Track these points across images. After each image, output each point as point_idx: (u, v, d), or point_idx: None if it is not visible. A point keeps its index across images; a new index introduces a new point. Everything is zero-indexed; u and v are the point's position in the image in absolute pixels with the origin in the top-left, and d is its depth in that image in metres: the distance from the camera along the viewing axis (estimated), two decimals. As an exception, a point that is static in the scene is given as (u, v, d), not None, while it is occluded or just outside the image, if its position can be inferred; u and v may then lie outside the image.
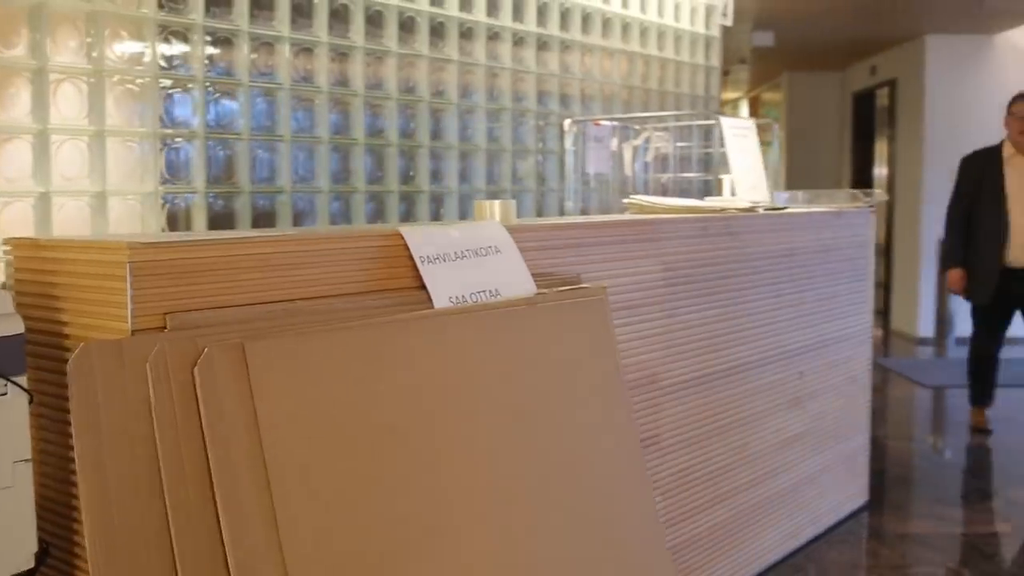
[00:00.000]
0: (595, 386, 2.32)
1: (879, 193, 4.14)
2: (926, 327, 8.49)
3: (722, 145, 5.64)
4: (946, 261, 5.61)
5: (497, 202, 2.47)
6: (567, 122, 5.21)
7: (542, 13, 5.21)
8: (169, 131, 3.52)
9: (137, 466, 1.57)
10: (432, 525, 1.85)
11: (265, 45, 3.97)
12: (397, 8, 4.41)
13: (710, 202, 3.59)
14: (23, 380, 1.62)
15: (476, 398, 2.01)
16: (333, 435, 1.75)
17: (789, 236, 3.47)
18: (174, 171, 3.58)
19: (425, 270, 2.08)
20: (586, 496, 2.20)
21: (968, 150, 8.66)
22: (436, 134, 4.69)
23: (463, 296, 2.12)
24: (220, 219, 3.85)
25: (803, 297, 3.56)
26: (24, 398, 1.62)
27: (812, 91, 10.91)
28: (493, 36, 4.93)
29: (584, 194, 5.40)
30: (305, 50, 4.10)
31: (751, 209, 3.36)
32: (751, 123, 3.99)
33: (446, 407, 1.95)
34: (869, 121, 10.25)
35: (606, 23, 5.69)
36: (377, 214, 4.47)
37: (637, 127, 5.55)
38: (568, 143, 5.24)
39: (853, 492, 3.99)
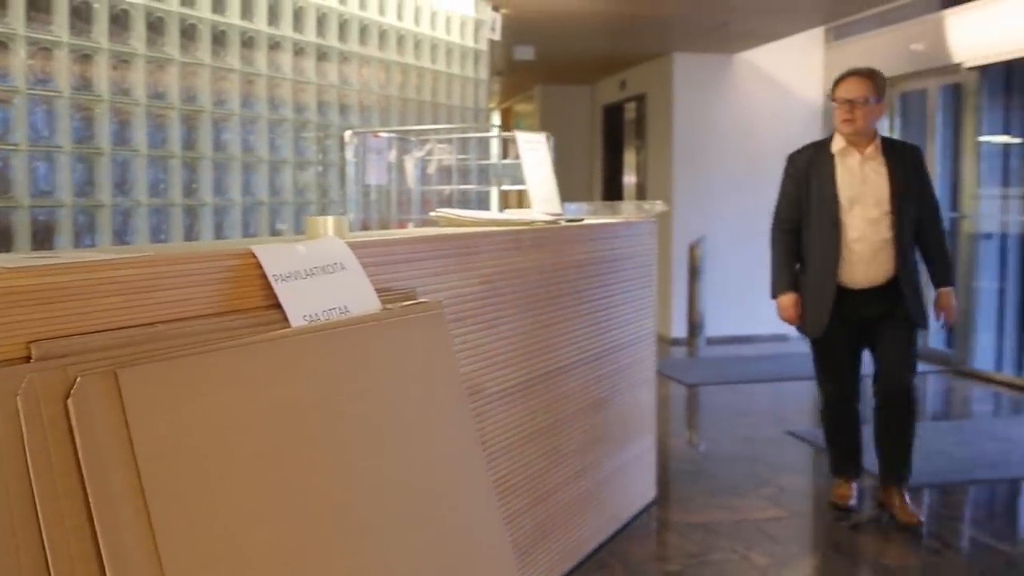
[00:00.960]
0: (440, 397, 2.36)
1: (660, 204, 4.38)
2: (679, 329, 9.00)
3: (502, 157, 5.80)
4: (773, 286, 4.27)
5: (331, 218, 2.46)
6: (347, 133, 5.20)
7: (321, 24, 5.18)
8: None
9: (12, 504, 1.47)
10: (302, 543, 1.83)
11: (43, 51, 3.75)
12: (178, 15, 4.27)
13: (510, 215, 3.69)
14: None
15: (335, 415, 2.00)
16: (206, 460, 1.70)
17: (587, 247, 3.62)
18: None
19: (279, 288, 2.04)
20: (435, 502, 2.23)
21: (713, 160, 9.35)
22: (218, 145, 4.57)
23: (316, 314, 2.10)
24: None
25: (600, 304, 3.73)
26: None
27: (563, 103, 11.34)
28: (274, 46, 4.85)
29: (365, 206, 5.40)
30: (84, 56, 3.90)
31: (554, 222, 3.49)
32: (543, 137, 4.13)
33: (309, 425, 1.93)
34: (618, 132, 10.77)
35: (382, 35, 5.71)
36: (160, 229, 4.31)
37: (418, 139, 5.60)
38: (349, 155, 5.23)
39: (644, 488, 4.21)
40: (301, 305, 2.07)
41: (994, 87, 7.30)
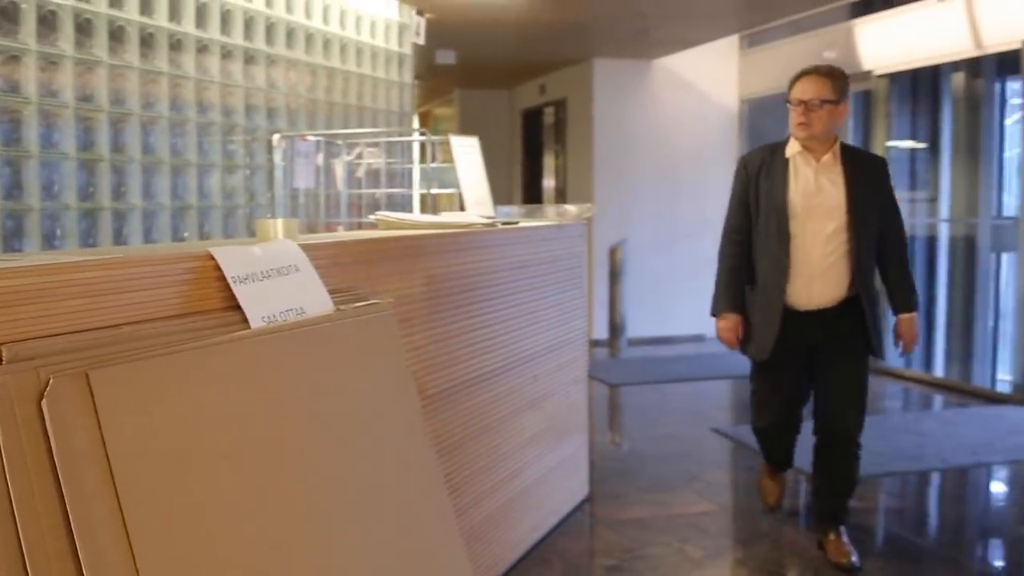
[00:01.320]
0: (392, 396, 2.40)
1: (588, 207, 4.46)
2: (600, 330, 9.12)
3: (423, 161, 5.83)
4: (714, 303, 3.87)
5: (280, 220, 2.48)
6: (275, 137, 5.19)
7: (248, 27, 5.16)
8: None
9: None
10: (269, 537, 1.86)
11: (-31, 52, 3.69)
12: (107, 17, 4.22)
13: (447, 218, 3.74)
14: None
15: (295, 414, 2.03)
16: (175, 458, 1.72)
17: (523, 249, 3.68)
18: None
19: (238, 290, 2.06)
20: (390, 496, 2.27)
21: (633, 164, 9.50)
22: (147, 149, 4.52)
23: (274, 315, 2.12)
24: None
25: (536, 305, 3.79)
26: None
27: (482, 107, 11.41)
28: (202, 49, 4.82)
29: (293, 209, 5.40)
30: (12, 58, 3.84)
31: (492, 224, 3.55)
32: (475, 141, 4.19)
33: (271, 424, 1.95)
34: (538, 136, 10.87)
35: (308, 38, 5.71)
36: (89, 233, 4.25)
37: (345, 142, 5.61)
38: (277, 158, 5.23)
39: (578, 486, 4.29)
40: (259, 306, 2.09)
41: (902, 94, 7.56)
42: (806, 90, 3.55)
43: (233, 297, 2.06)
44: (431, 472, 2.45)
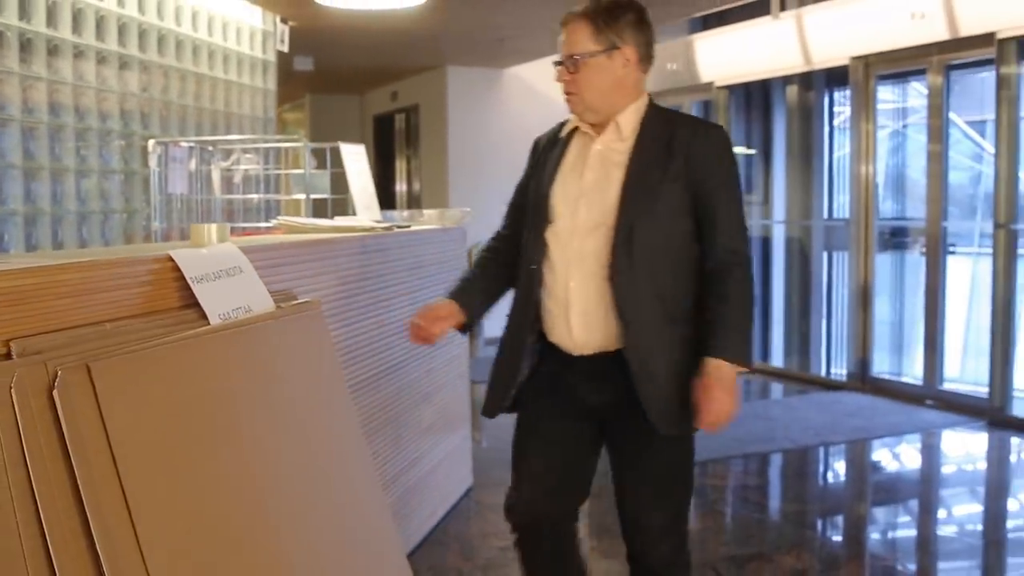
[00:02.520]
0: (328, 386, 2.58)
1: (467, 212, 4.69)
2: (456, 330, 9.34)
3: (300, 167, 5.94)
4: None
5: (214, 225, 2.62)
6: (151, 142, 5.22)
7: (122, 32, 5.18)
8: None
9: (12, 487, 1.61)
10: (244, 516, 2.03)
11: None
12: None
13: (344, 222, 3.90)
14: None
15: (252, 403, 2.20)
16: (163, 443, 1.88)
17: (417, 250, 3.88)
18: None
19: (197, 289, 2.21)
20: (330, 479, 2.46)
21: (487, 169, 9.74)
22: (26, 154, 4.52)
23: (228, 313, 2.28)
24: None
25: (429, 303, 4.00)
26: None
27: (333, 112, 11.49)
28: (79, 54, 4.83)
29: (168, 214, 5.42)
30: None
31: (389, 228, 3.74)
32: (362, 148, 4.36)
33: (235, 412, 2.12)
34: (390, 142, 11.04)
35: (179, 44, 5.76)
36: (-29, 238, 4.23)
37: (216, 148, 5.67)
38: (153, 163, 5.25)
39: (464, 474, 4.51)
40: (216, 305, 2.24)
41: (738, 104, 8.09)
42: (566, 43, 2.46)
43: (189, 296, 2.20)
44: (363, 452, 2.65)
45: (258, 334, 2.31)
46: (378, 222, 3.99)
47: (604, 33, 2.41)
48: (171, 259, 2.19)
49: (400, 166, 10.87)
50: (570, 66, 2.45)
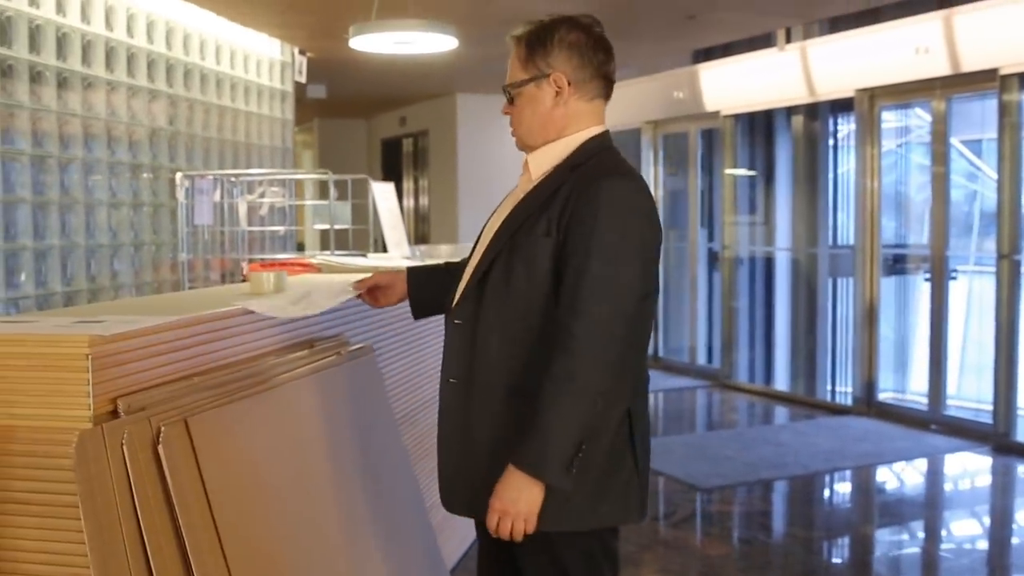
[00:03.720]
0: (383, 426, 2.73)
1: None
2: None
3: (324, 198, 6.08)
4: None
5: (272, 274, 2.76)
6: (179, 175, 5.36)
7: (151, 68, 5.32)
8: None
9: (129, 537, 1.74)
10: (318, 548, 2.17)
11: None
12: (27, 63, 4.36)
13: (376, 260, 4.04)
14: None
15: (327, 442, 2.35)
16: (254, 488, 2.02)
17: (447, 287, 4.03)
18: None
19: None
20: (385, 504, 2.61)
21: (496, 191, 9.67)
22: (65, 189, 4.65)
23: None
24: None
25: (457, 338, 4.14)
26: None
27: (341, 136, 11.67)
28: (112, 89, 4.97)
29: (193, 246, 5.55)
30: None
31: (423, 265, 3.88)
32: (391, 186, 4.51)
33: (312, 453, 2.26)
34: (397, 165, 11.23)
35: (203, 78, 5.90)
36: (12, 271, 4.35)
37: (238, 180, 5.81)
38: (181, 196, 5.38)
39: (488, 502, 4.66)
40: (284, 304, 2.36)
41: (744, 131, 8.26)
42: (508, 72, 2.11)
43: (260, 346, 2.34)
44: (413, 483, 2.81)
45: (325, 380, 2.45)
46: (408, 258, 4.13)
47: (532, 59, 2.03)
48: (248, 312, 2.32)
49: (407, 187, 11.04)
50: (507, 98, 2.11)
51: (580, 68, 2.02)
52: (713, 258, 8.51)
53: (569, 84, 2.01)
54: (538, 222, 1.98)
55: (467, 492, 2.07)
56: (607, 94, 2.09)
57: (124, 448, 1.76)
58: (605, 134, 2.08)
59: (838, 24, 7.15)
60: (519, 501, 1.87)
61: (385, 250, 4.61)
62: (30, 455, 1.74)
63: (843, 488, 5.42)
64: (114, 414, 1.82)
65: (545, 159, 2.06)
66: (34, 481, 1.73)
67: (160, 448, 1.81)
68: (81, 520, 1.66)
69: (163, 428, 1.83)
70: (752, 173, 8.30)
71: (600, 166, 2.01)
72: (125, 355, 1.87)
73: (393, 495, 2.67)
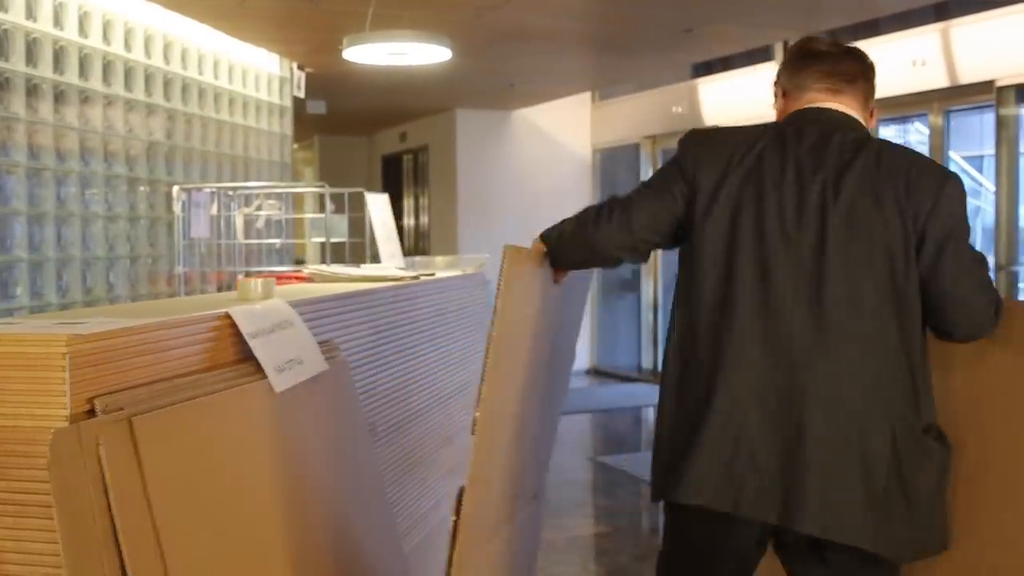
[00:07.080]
0: (355, 435, 2.73)
1: (483, 259, 4.82)
2: (465, 367, 9.55)
3: (319, 211, 6.09)
4: None
5: (260, 280, 2.76)
6: (176, 188, 5.36)
7: (149, 82, 5.34)
8: None
9: (104, 537, 1.73)
10: (269, 559, 2.16)
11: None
12: (24, 75, 4.37)
13: (370, 270, 4.03)
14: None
15: (299, 451, 2.34)
16: (201, 492, 2.01)
17: (440, 298, 4.02)
18: None
19: (254, 344, 2.34)
20: (350, 519, 2.60)
21: (495, 207, 9.91)
22: (61, 202, 4.66)
23: (283, 365, 2.41)
24: None
25: (451, 349, 4.12)
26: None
27: (342, 152, 11.69)
28: (109, 103, 4.99)
29: (191, 258, 5.55)
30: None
31: (416, 277, 3.87)
32: (386, 197, 4.51)
33: (271, 462, 2.26)
34: (398, 181, 11.23)
35: (201, 92, 5.92)
36: (7, 283, 4.36)
37: (236, 193, 5.82)
38: (177, 209, 5.39)
39: (483, 514, 4.64)
40: (272, 358, 2.37)
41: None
42: None
43: (248, 349, 2.34)
44: (380, 501, 2.81)
45: (312, 386, 2.44)
46: (402, 269, 4.12)
47: None
48: (229, 316, 2.32)
49: (408, 204, 11.05)
50: None
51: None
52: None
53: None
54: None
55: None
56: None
57: (100, 448, 1.75)
58: None
59: (836, 37, 7.16)
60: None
61: (379, 261, 4.61)
62: (7, 455, 1.74)
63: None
64: (91, 414, 1.81)
65: None
66: (10, 481, 1.73)
67: (137, 447, 1.80)
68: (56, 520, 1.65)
69: (140, 428, 1.83)
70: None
71: None
72: (103, 355, 1.86)
73: (360, 515, 2.66)
